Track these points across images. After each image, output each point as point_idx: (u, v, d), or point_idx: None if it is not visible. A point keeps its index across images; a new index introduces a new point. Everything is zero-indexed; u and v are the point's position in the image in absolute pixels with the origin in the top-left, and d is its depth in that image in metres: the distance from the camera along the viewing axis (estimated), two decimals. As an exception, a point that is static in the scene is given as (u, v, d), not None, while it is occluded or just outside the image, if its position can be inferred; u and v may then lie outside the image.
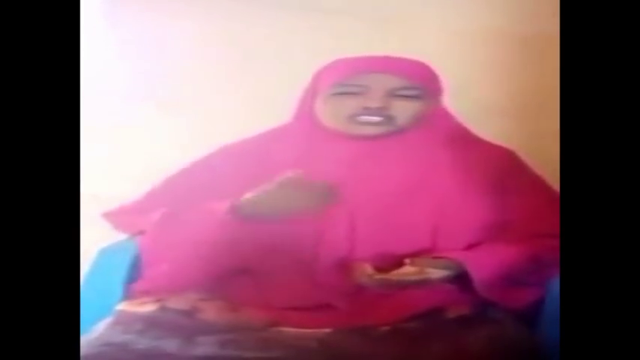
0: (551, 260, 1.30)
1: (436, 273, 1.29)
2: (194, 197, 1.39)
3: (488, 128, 1.55)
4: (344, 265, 1.32)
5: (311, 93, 1.45)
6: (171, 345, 1.13)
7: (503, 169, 1.44)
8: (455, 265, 1.31)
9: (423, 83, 1.40)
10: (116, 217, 1.49)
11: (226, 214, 1.29)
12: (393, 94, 1.38)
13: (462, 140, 1.46)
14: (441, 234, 1.35)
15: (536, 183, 1.46)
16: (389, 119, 1.38)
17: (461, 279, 1.31)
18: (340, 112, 1.39)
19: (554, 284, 1.29)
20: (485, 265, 1.30)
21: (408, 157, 1.42)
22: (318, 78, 1.45)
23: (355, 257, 1.33)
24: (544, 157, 1.48)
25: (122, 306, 1.28)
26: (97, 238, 1.39)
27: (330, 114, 1.41)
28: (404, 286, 1.28)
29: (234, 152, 1.49)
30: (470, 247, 1.35)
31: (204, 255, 1.30)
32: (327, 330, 1.19)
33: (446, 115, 1.47)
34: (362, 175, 1.39)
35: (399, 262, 1.30)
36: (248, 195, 1.29)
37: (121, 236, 1.49)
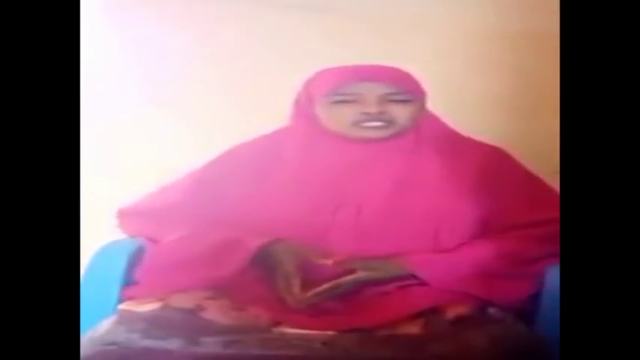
0: (539, 253, 1.35)
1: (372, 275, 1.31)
2: (206, 199, 1.43)
3: (487, 126, 1.55)
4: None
5: (306, 99, 1.47)
6: (174, 344, 1.13)
7: (493, 165, 1.47)
8: (403, 268, 1.33)
9: (408, 88, 1.43)
10: (125, 218, 1.50)
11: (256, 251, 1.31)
12: (386, 100, 1.41)
13: (452, 141, 1.49)
14: (441, 231, 1.37)
15: (526, 177, 1.48)
16: (390, 122, 1.41)
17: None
18: (342, 118, 1.42)
19: (550, 280, 1.30)
20: (441, 265, 1.33)
21: (406, 159, 1.44)
22: (308, 87, 1.47)
23: (361, 255, 1.35)
24: (543, 156, 1.49)
25: (125, 305, 1.28)
26: (96, 236, 1.40)
27: (333, 120, 1.43)
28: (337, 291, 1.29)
29: (244, 153, 1.50)
30: (462, 243, 1.37)
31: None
32: (330, 332, 1.19)
33: (434, 119, 1.50)
34: (366, 176, 1.42)
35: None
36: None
37: (121, 235, 1.49)
